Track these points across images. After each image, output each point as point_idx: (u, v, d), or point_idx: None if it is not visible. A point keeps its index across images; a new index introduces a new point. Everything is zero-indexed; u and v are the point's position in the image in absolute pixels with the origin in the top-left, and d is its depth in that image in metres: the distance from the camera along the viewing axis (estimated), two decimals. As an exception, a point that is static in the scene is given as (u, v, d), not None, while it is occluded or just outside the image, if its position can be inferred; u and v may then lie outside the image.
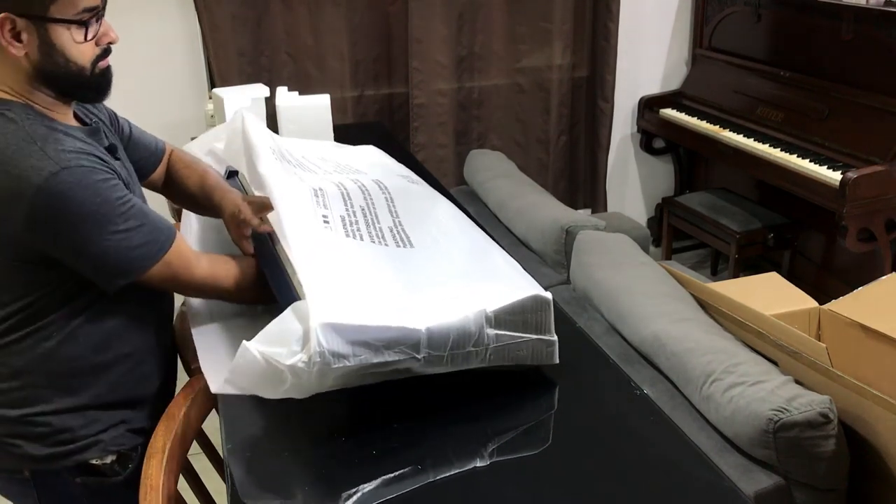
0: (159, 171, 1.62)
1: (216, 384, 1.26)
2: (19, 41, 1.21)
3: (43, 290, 1.29)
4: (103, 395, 1.38)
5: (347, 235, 1.41)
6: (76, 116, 1.37)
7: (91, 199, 1.21)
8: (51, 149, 1.20)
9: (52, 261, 1.26)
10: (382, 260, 1.36)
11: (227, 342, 1.39)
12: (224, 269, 1.41)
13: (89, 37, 1.25)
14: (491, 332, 1.21)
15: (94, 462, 1.38)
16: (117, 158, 1.38)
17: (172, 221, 1.80)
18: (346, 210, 1.51)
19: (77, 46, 1.25)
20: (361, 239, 1.42)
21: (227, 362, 1.18)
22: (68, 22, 1.21)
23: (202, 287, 1.40)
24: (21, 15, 1.19)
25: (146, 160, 1.58)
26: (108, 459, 1.39)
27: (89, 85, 1.29)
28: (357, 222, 1.47)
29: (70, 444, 1.36)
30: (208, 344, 1.40)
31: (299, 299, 1.19)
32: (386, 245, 1.42)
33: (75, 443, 1.36)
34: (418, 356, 1.17)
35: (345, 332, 1.11)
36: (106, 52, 1.30)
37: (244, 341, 1.12)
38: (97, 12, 1.25)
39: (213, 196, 1.58)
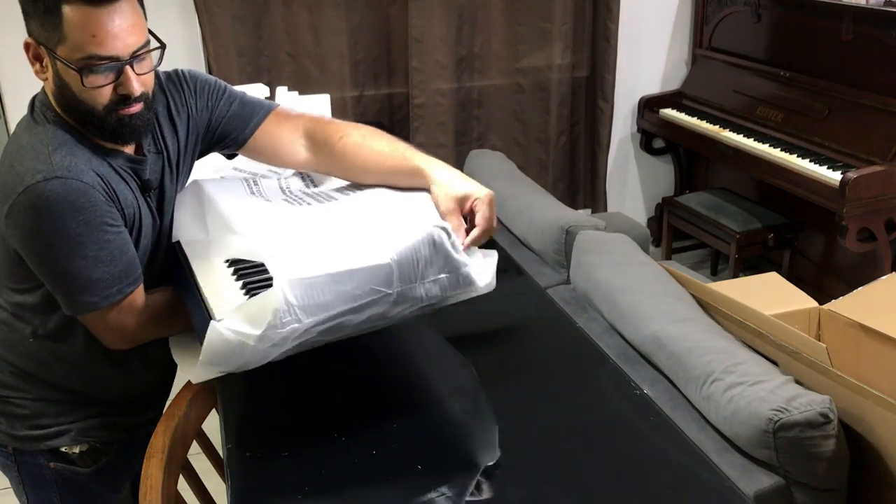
0: (263, 138, 1.46)
1: (193, 375, 1.26)
2: (42, 66, 1.23)
3: (34, 287, 1.31)
4: (81, 392, 1.41)
5: (292, 204, 1.42)
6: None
7: (71, 216, 1.19)
8: (58, 156, 1.21)
9: (25, 264, 1.27)
10: (331, 214, 1.35)
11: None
12: (164, 311, 1.36)
13: (88, 85, 1.19)
14: (447, 251, 1.18)
15: (63, 450, 1.42)
16: (148, 194, 1.36)
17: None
18: (285, 194, 1.50)
19: (82, 89, 1.20)
20: (310, 205, 1.41)
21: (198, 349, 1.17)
22: (69, 66, 1.18)
23: (140, 337, 1.35)
24: (40, 44, 1.21)
25: (237, 133, 1.46)
26: (77, 449, 1.42)
27: (102, 126, 1.24)
28: (299, 198, 1.46)
29: (44, 429, 1.40)
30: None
31: (209, 316, 1.18)
32: (334, 199, 1.42)
33: (48, 428, 1.40)
34: (390, 291, 1.15)
35: (313, 287, 1.10)
36: (124, 100, 1.23)
37: (212, 322, 1.11)
38: (112, 62, 1.19)
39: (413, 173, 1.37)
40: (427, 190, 1.34)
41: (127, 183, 1.31)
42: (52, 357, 1.37)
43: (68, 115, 1.26)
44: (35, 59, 1.23)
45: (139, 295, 1.31)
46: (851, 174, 2.69)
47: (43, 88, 1.30)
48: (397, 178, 1.40)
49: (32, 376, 1.38)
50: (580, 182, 3.77)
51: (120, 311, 1.29)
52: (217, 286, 1.25)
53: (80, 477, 1.44)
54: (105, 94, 1.22)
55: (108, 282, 1.25)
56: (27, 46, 1.22)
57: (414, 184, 1.37)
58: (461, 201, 1.30)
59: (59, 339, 1.36)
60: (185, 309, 1.33)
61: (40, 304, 1.33)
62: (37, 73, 1.25)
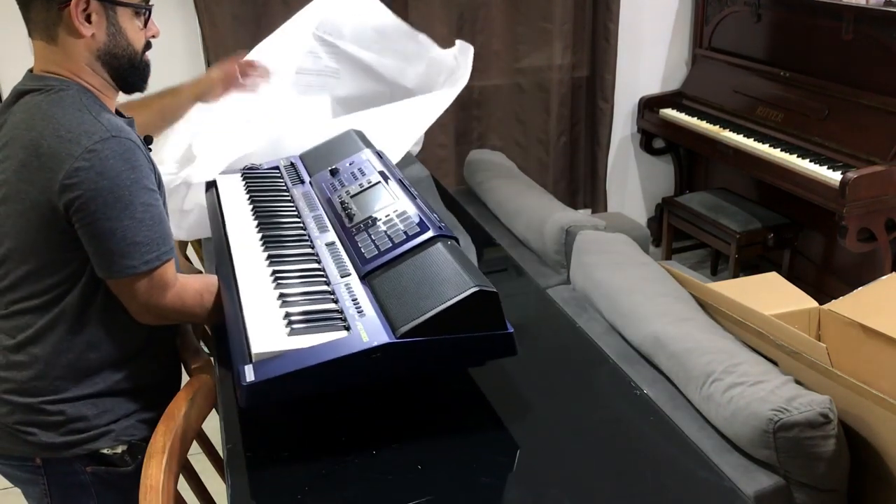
0: None
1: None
2: (89, 22, 1.30)
3: (69, 273, 1.31)
4: (119, 383, 1.40)
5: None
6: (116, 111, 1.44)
7: (126, 174, 1.25)
8: (104, 118, 1.28)
9: (74, 238, 1.27)
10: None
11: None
12: (192, 296, 1.36)
13: (146, 24, 1.38)
14: None
15: (105, 451, 1.40)
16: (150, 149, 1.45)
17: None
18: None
19: (136, 32, 1.36)
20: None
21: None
22: (135, 7, 1.33)
23: (164, 315, 1.35)
24: None
25: None
26: (119, 449, 1.41)
27: (137, 70, 1.39)
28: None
29: (83, 433, 1.38)
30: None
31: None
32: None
33: (88, 431, 1.38)
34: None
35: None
36: (149, 44, 1.41)
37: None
38: (151, 5, 1.39)
39: (181, 93, 1.79)
40: None
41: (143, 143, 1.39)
42: (90, 351, 1.35)
43: (110, 67, 1.35)
44: (84, 15, 1.28)
45: (171, 269, 1.33)
46: (851, 174, 2.69)
47: (36, 67, 1.33)
48: (176, 98, 1.79)
49: (72, 376, 1.35)
50: (580, 182, 3.77)
51: (151, 282, 1.31)
52: (258, 312, 1.21)
53: (119, 478, 1.42)
54: (143, 38, 1.39)
55: (149, 246, 1.28)
56: (77, 4, 1.26)
57: (192, 90, 1.81)
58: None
59: (96, 329, 1.35)
60: (215, 304, 1.37)
61: (83, 294, 1.33)
62: (80, 30, 1.29)
